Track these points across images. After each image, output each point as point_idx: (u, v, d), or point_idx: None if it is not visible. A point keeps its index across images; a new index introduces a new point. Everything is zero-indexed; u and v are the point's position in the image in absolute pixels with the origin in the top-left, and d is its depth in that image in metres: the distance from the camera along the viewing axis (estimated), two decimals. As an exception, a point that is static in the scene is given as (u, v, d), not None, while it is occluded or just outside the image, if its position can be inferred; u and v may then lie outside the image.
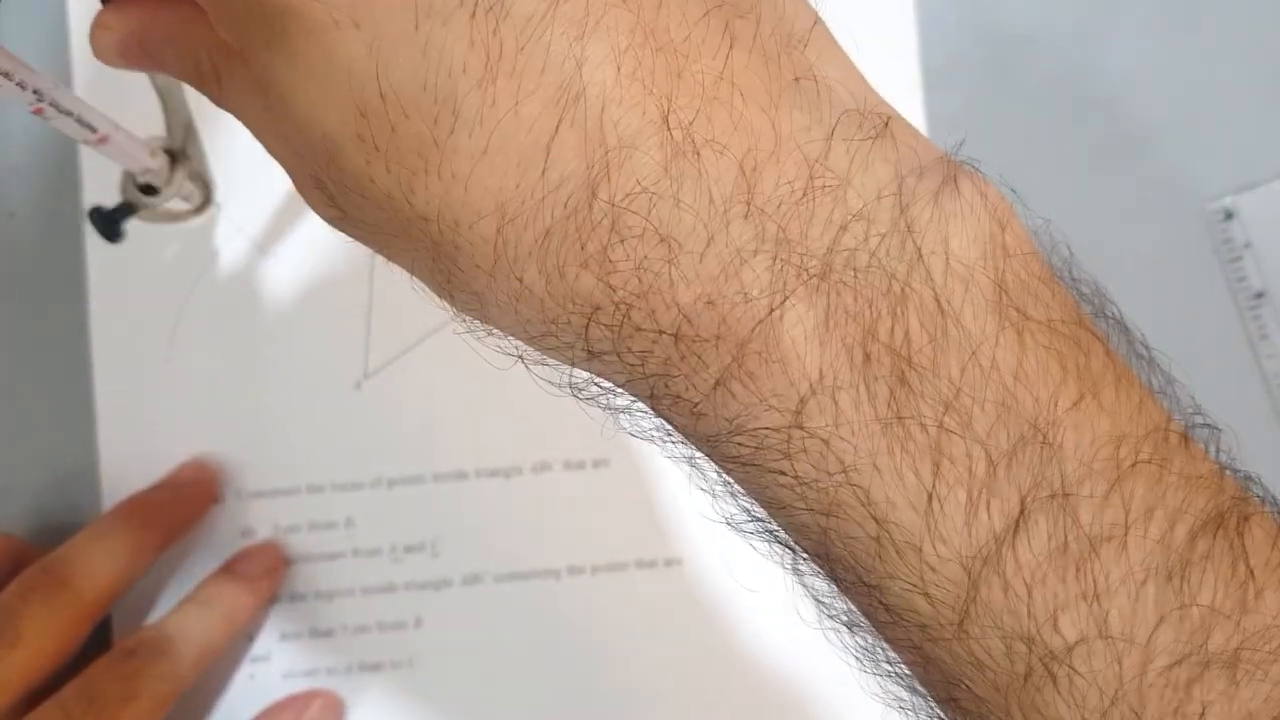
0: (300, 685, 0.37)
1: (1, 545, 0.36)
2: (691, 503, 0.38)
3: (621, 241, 0.19)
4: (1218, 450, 0.20)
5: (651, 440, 0.22)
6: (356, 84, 0.19)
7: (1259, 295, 0.39)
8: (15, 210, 0.38)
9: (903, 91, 0.39)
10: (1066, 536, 0.19)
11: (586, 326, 0.20)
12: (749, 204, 0.19)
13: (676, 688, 0.38)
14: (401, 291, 0.38)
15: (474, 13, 0.18)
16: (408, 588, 0.38)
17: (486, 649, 0.38)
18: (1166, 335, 0.39)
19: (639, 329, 0.19)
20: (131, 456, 0.38)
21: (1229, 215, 0.39)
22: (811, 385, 0.19)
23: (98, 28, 0.23)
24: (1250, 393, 0.39)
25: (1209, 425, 0.21)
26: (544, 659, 0.38)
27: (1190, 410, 0.21)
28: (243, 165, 0.38)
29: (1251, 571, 0.19)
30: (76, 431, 0.38)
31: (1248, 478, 0.20)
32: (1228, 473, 0.20)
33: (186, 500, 0.37)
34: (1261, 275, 0.39)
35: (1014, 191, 0.21)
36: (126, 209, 0.33)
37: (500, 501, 0.38)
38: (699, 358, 0.19)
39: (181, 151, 0.33)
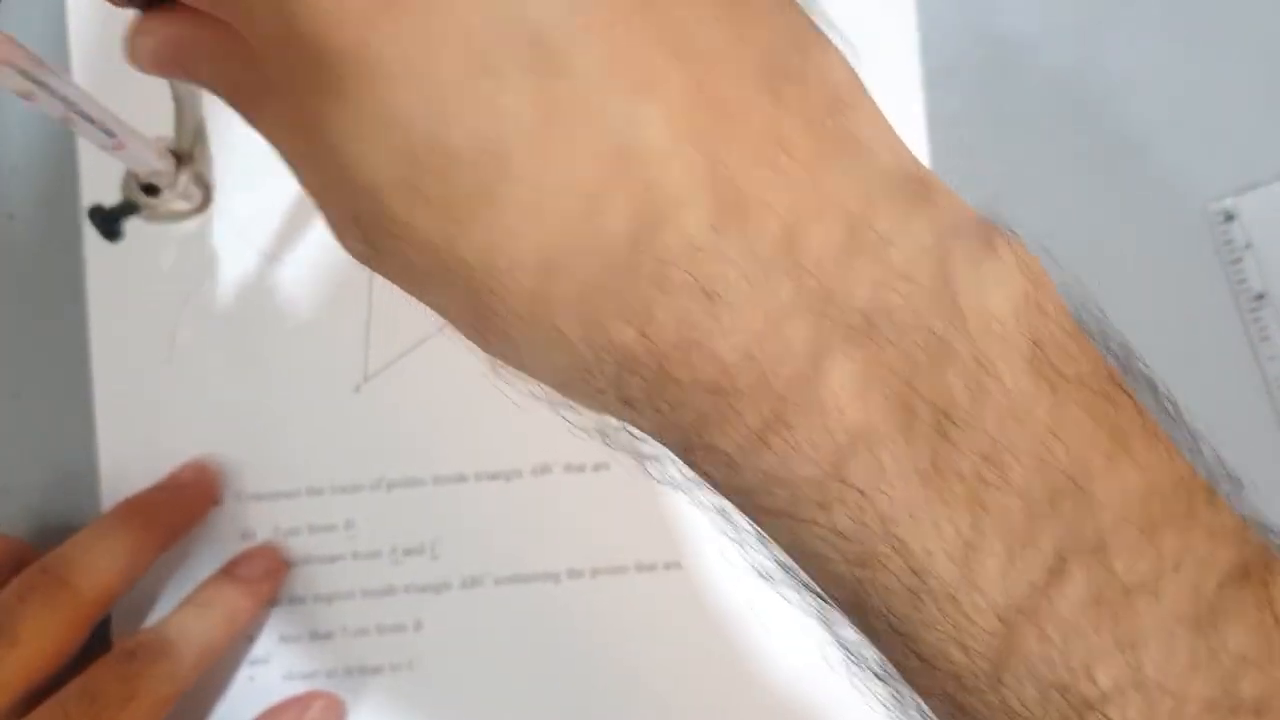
0: (300, 687, 0.37)
1: (1, 546, 0.36)
2: (692, 507, 0.38)
3: (664, 295, 0.19)
4: (1240, 501, 0.21)
5: (678, 488, 0.22)
6: (410, 134, 0.19)
7: (1259, 297, 0.39)
8: (14, 212, 0.38)
9: (904, 92, 0.39)
10: (1101, 587, 0.19)
11: (621, 375, 0.20)
12: (793, 261, 0.19)
13: (676, 691, 0.38)
14: (401, 294, 0.38)
15: (530, 68, 0.19)
16: (407, 590, 0.38)
17: (486, 652, 0.38)
18: (1167, 336, 0.39)
19: (676, 380, 0.20)
20: (131, 457, 0.38)
21: (1229, 216, 0.39)
22: (851, 438, 0.19)
23: (138, 34, 0.23)
24: (1251, 394, 0.39)
25: (1231, 477, 0.21)
26: (544, 662, 0.38)
27: (1213, 460, 0.21)
28: (243, 168, 0.38)
29: (1277, 620, 0.19)
30: (76, 432, 0.38)
31: (1271, 530, 0.21)
32: (1252, 525, 0.21)
33: (187, 500, 0.37)
34: (1262, 276, 0.39)
35: (1047, 251, 0.21)
36: (128, 208, 0.33)
37: (500, 504, 0.38)
38: (736, 410, 0.20)
39: (188, 154, 0.33)
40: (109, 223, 0.34)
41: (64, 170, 0.38)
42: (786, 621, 0.38)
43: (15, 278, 0.39)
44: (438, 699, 0.37)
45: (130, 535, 0.35)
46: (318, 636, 0.38)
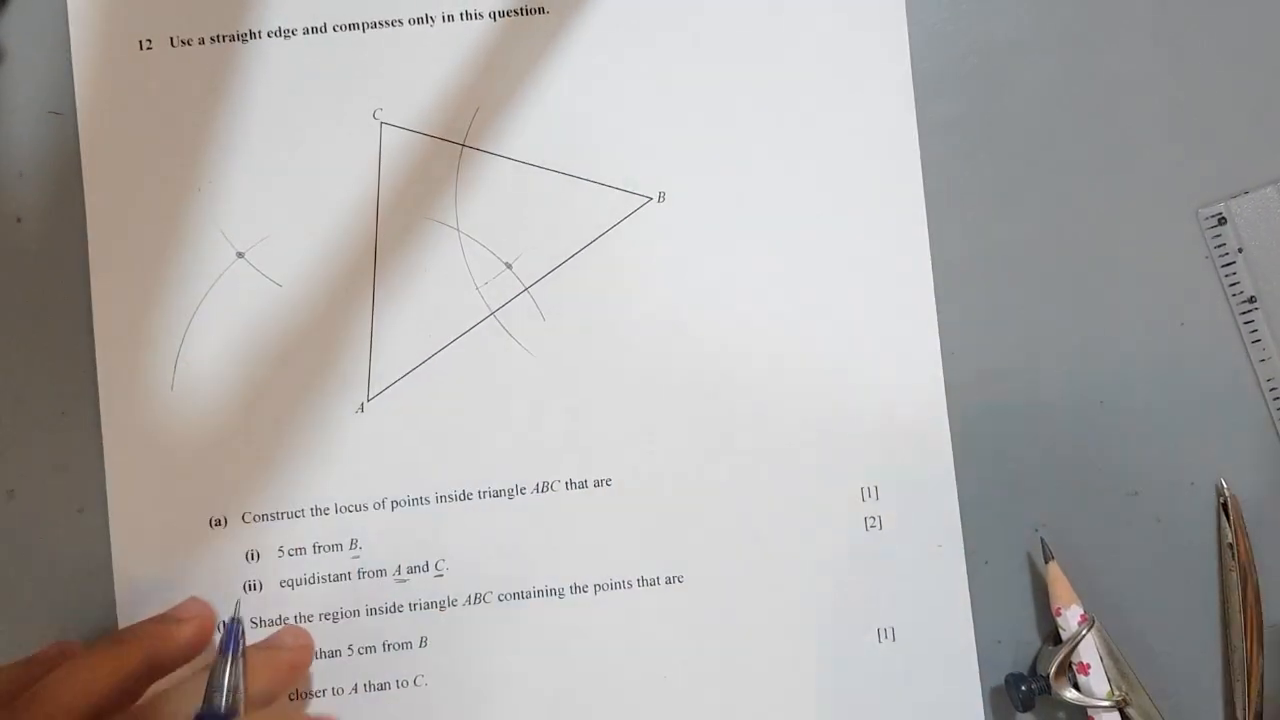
0: (307, 706, 0.38)
1: (53, 650, 0.35)
2: (693, 521, 0.39)
3: None
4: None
5: None
6: None
7: (1251, 299, 0.39)
8: (22, 215, 0.39)
9: (896, 100, 0.39)
10: None
11: None
12: None
13: (679, 704, 0.38)
14: (403, 315, 0.38)
15: None
16: (413, 608, 0.38)
17: (492, 668, 0.38)
18: (1161, 339, 0.39)
19: None
20: (137, 465, 0.38)
21: (1222, 221, 0.39)
22: None
23: None
24: (1245, 395, 0.39)
25: None
26: (548, 677, 0.38)
27: None
28: (247, 192, 0.39)
29: None
30: (82, 435, 0.38)
31: None
32: None
33: (184, 637, 0.36)
34: (1254, 280, 0.39)
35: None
36: None
37: (504, 521, 0.38)
38: None
39: None
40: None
41: (71, 175, 0.38)
42: (787, 635, 0.38)
43: (23, 280, 0.39)
44: (444, 715, 0.38)
45: (117, 664, 0.33)
46: (324, 655, 0.38)
